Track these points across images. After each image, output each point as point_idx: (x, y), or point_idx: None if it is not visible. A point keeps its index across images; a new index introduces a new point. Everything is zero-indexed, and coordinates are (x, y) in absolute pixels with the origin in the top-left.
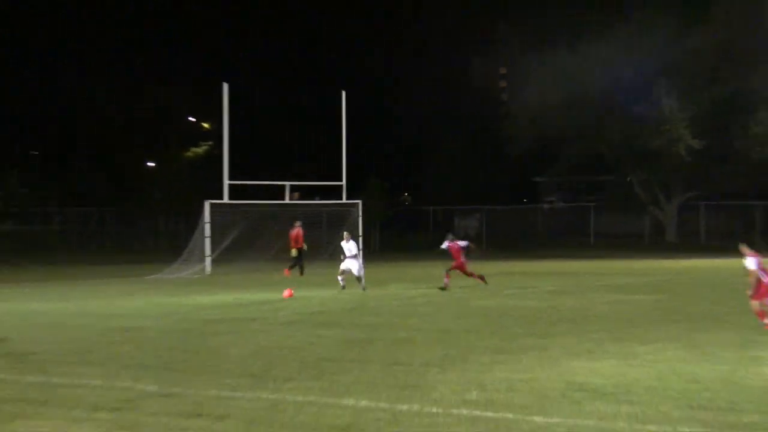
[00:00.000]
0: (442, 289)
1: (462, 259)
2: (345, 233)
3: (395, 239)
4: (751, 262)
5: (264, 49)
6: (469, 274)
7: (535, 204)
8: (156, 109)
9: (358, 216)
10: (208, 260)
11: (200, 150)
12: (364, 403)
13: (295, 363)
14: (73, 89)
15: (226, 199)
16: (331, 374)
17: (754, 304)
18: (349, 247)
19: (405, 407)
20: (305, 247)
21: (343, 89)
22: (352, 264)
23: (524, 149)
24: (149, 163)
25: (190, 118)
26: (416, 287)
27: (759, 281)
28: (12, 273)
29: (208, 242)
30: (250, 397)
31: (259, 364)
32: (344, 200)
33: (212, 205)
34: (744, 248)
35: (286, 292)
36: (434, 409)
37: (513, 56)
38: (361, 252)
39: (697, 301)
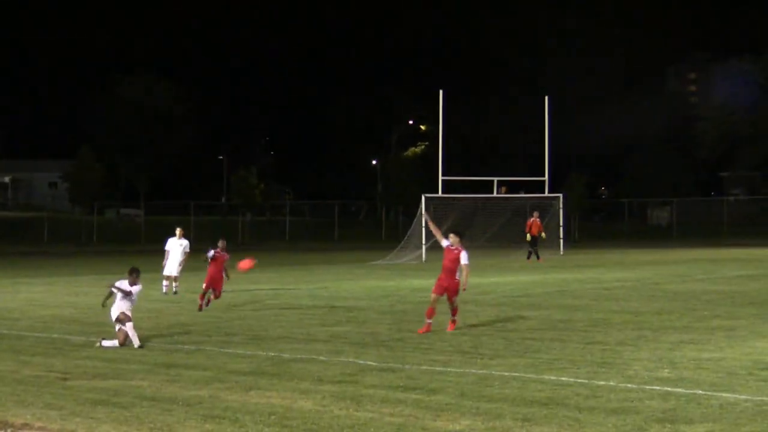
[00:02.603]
0: None
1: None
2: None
3: (594, 229)
4: (465, 257)
5: (480, 58)
6: None
7: (721, 197)
8: (381, 113)
9: (559, 208)
10: (424, 249)
11: (418, 150)
12: (564, 378)
13: (502, 341)
14: (314, 93)
15: (440, 193)
16: (534, 352)
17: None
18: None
19: (602, 383)
20: (543, 236)
21: (546, 95)
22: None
23: (713, 149)
24: (373, 162)
25: (410, 122)
26: (611, 272)
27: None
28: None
29: (424, 233)
30: (460, 372)
31: (468, 342)
32: (547, 194)
33: (428, 198)
34: (454, 239)
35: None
36: (629, 385)
37: (702, 63)
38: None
39: None
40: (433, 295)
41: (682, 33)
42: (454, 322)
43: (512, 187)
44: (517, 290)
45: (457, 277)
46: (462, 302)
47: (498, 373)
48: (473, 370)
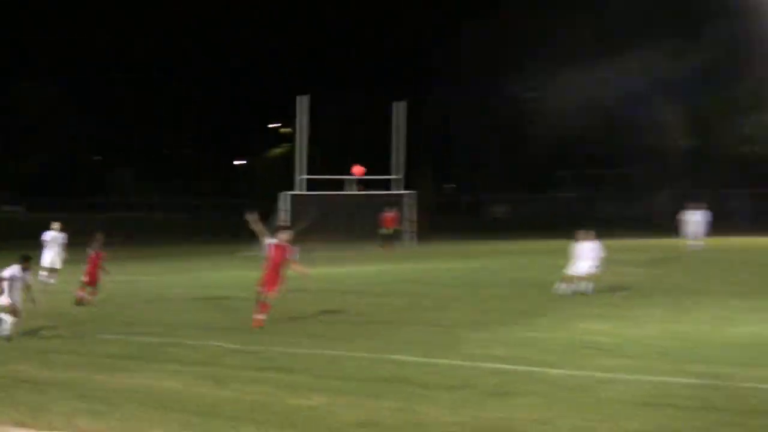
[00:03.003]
0: None
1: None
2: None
3: (441, 223)
4: (293, 253)
5: (343, 62)
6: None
7: (554, 193)
8: (244, 115)
9: (409, 204)
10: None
11: (280, 151)
12: (408, 357)
13: (352, 325)
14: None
15: (300, 191)
16: (381, 334)
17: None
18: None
19: (441, 361)
20: (397, 229)
21: (402, 101)
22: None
23: (546, 150)
24: (237, 162)
25: (270, 125)
26: (454, 262)
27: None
28: (123, 252)
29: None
30: (315, 354)
31: (322, 327)
32: (399, 191)
33: (289, 196)
34: (283, 235)
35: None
36: (465, 363)
37: (539, 73)
38: None
39: (685, 274)
40: (259, 288)
41: (520, 42)
42: (261, 320)
43: (368, 184)
44: (368, 279)
45: (281, 274)
46: (318, 291)
47: (348, 354)
48: (327, 352)
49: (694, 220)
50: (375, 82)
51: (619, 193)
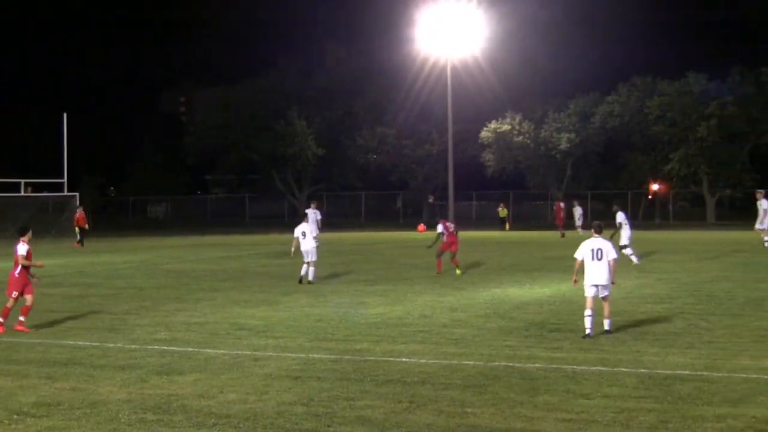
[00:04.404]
0: None
1: None
2: None
3: (105, 222)
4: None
5: (16, 76)
6: None
7: (206, 195)
8: None
9: (76, 204)
10: None
11: None
12: (80, 342)
13: (30, 313)
14: None
15: None
16: (55, 322)
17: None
18: None
19: (111, 345)
20: (86, 226)
21: (65, 112)
22: None
23: (198, 157)
24: None
25: None
26: (121, 257)
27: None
28: None
29: None
30: None
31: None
32: (65, 192)
33: None
34: (25, 237)
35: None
36: (133, 346)
37: (190, 89)
38: None
39: (321, 265)
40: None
41: (172, 62)
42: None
43: (37, 187)
44: (41, 272)
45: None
46: None
47: (24, 340)
48: (5, 339)
49: (315, 218)
50: (46, 95)
51: (266, 195)
